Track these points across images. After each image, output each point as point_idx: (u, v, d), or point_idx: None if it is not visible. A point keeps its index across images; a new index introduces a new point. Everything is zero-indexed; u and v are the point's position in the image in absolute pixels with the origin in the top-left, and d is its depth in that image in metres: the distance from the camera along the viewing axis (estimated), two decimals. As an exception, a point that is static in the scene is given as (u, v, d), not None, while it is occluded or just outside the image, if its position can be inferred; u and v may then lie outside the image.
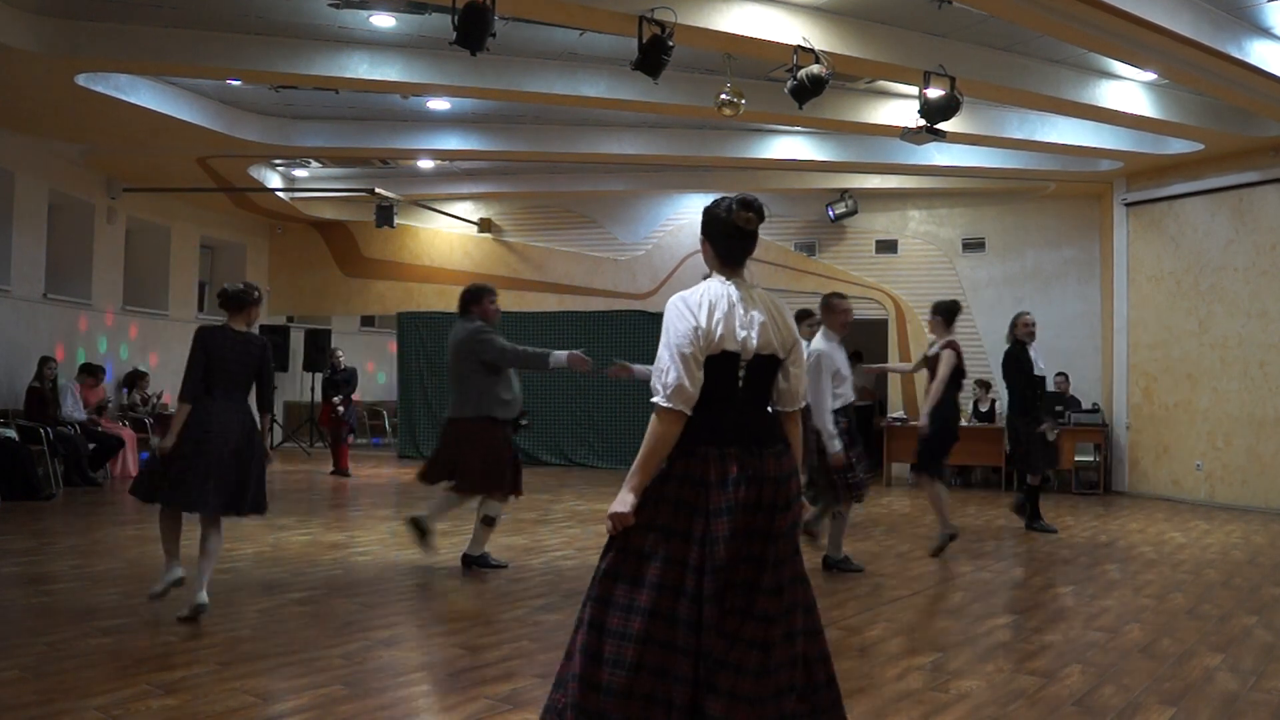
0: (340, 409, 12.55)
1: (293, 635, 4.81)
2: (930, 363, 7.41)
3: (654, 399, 2.76)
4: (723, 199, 2.93)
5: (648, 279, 14.80)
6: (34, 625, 4.95)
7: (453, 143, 11.94)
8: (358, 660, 4.39)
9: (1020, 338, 8.64)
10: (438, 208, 15.47)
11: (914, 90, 8.51)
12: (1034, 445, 8.62)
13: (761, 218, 2.89)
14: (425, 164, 13.85)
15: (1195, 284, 11.40)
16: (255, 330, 5.46)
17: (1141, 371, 12.03)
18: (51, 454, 10.24)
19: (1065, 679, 4.28)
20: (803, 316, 6.83)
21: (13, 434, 9.97)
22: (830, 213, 13.72)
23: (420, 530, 6.42)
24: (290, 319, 16.86)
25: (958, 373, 7.27)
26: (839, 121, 10.14)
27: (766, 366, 2.87)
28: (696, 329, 2.75)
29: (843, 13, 7.94)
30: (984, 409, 12.74)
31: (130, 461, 11.69)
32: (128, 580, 6.00)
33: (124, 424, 12.23)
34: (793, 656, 2.74)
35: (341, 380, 12.67)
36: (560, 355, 6.16)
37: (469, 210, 15.68)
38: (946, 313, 7.47)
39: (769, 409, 2.94)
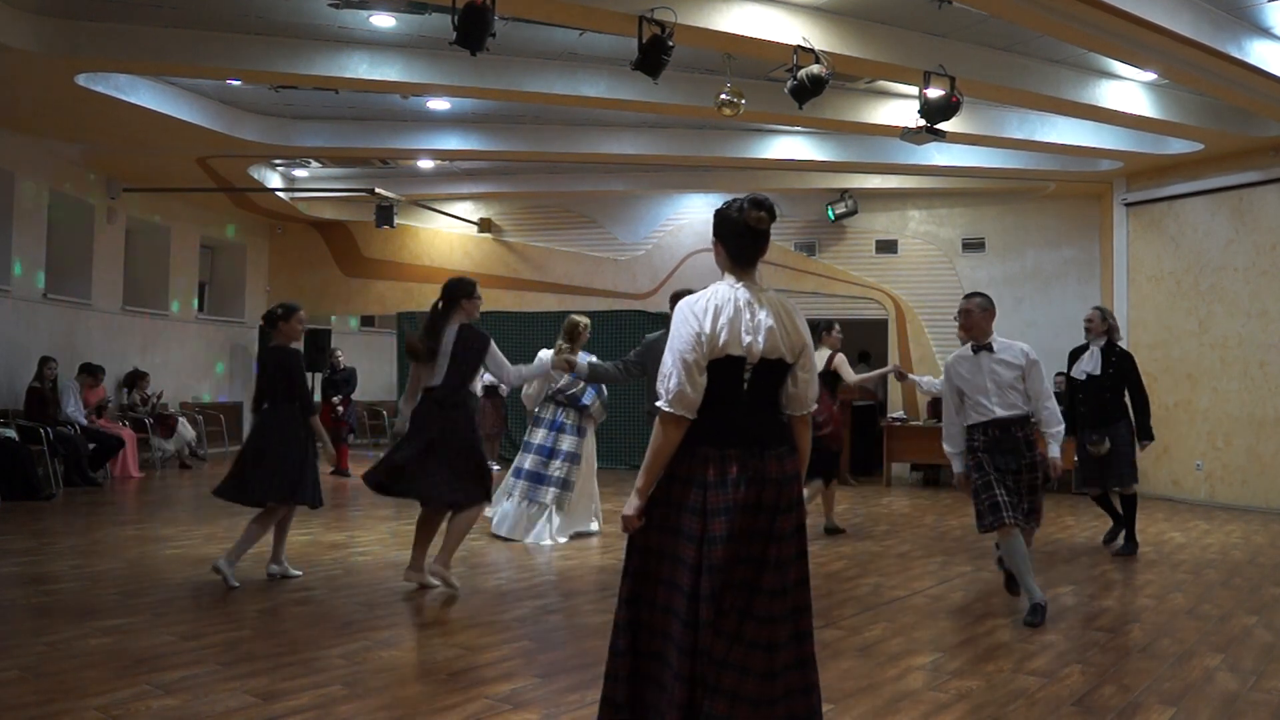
0: (340, 409, 12.56)
1: (293, 635, 4.81)
2: None
3: (657, 403, 2.79)
4: (734, 200, 2.95)
5: (648, 279, 14.80)
6: (34, 625, 4.95)
7: (453, 143, 11.94)
8: (358, 660, 4.39)
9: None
10: (438, 208, 15.47)
11: (914, 90, 8.51)
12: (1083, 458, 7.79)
13: (773, 217, 2.91)
14: (425, 164, 13.85)
15: (1195, 284, 11.40)
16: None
17: (1141, 371, 11.97)
18: (51, 454, 10.24)
19: (1065, 679, 4.28)
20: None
21: (13, 434, 9.97)
22: (830, 213, 13.72)
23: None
24: (290, 319, 16.83)
25: None
26: (839, 121, 10.13)
27: (774, 370, 2.87)
28: (699, 335, 2.77)
29: (843, 13, 7.94)
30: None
31: (130, 461, 11.70)
32: (128, 580, 6.01)
33: (124, 424, 12.24)
34: (799, 658, 2.77)
35: (341, 380, 12.68)
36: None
37: (469, 210, 15.68)
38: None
39: (777, 412, 2.95)
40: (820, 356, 7.76)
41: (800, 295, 13.28)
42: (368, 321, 18.52)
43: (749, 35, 7.56)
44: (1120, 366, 7.74)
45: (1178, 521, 9.65)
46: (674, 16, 6.98)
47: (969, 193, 13.41)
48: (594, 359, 7.01)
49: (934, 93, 8.02)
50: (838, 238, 14.10)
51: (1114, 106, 9.36)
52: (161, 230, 14.48)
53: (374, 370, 18.26)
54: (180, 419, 13.27)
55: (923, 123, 8.22)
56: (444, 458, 5.63)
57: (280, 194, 14.43)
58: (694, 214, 14.54)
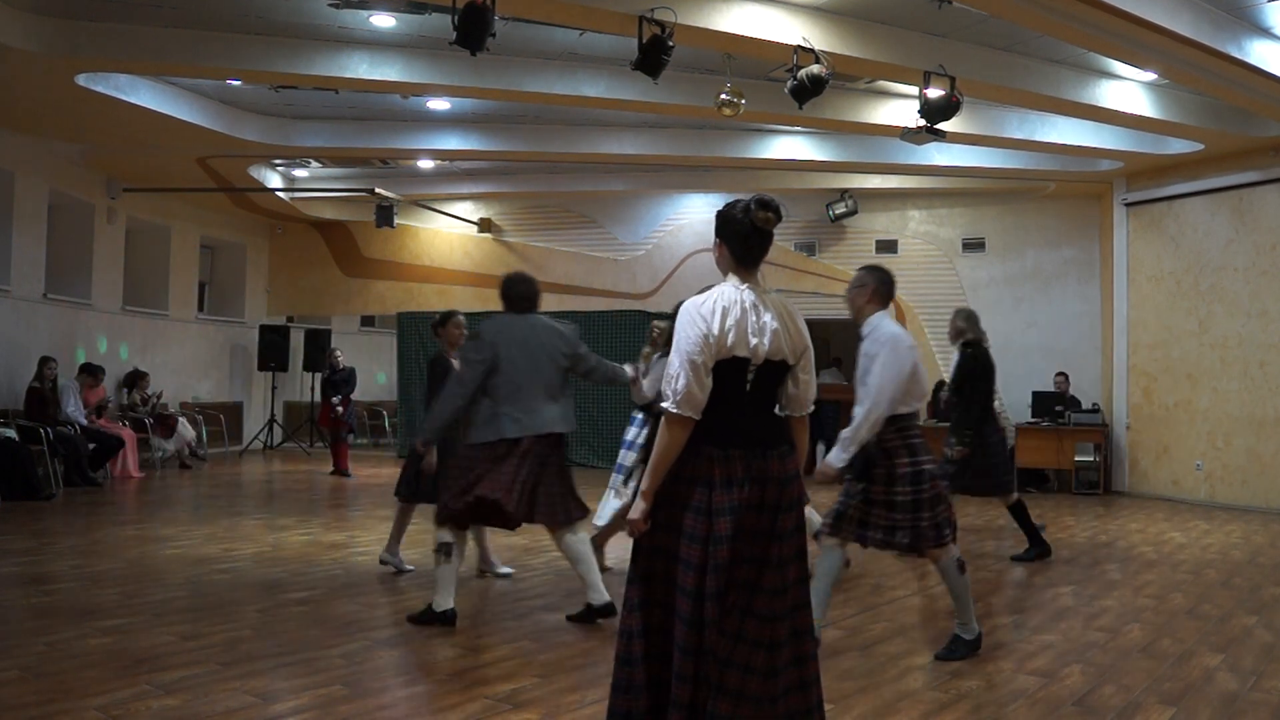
0: (339, 409, 12.56)
1: (293, 635, 4.81)
2: None
3: (663, 404, 2.80)
4: (737, 200, 2.92)
5: (648, 279, 14.79)
6: (34, 625, 4.94)
7: (453, 143, 11.94)
8: (358, 660, 4.39)
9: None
10: (438, 208, 15.47)
11: (914, 90, 8.51)
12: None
13: (779, 217, 2.88)
14: (425, 164, 13.85)
15: (1195, 284, 11.40)
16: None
17: (1141, 371, 12.03)
18: (51, 454, 10.23)
19: (1065, 679, 4.28)
20: None
21: (13, 434, 9.96)
22: (830, 213, 13.72)
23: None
24: (290, 319, 16.86)
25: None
26: (839, 121, 10.13)
27: (775, 371, 2.89)
28: (707, 336, 2.77)
29: (843, 13, 7.94)
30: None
31: (130, 461, 11.70)
32: (128, 580, 6.00)
33: (124, 424, 12.24)
34: (798, 655, 2.78)
35: (340, 380, 12.68)
36: None
37: (469, 210, 15.68)
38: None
39: (776, 412, 2.96)
40: None
41: (800, 295, 13.27)
42: (368, 321, 18.52)
43: (749, 35, 7.56)
44: (957, 369, 7.06)
45: (1178, 521, 9.65)
46: (674, 16, 6.98)
47: (969, 193, 13.41)
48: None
49: (934, 93, 8.02)
50: (838, 238, 14.10)
51: (1114, 106, 9.36)
52: (161, 230, 14.49)
53: (374, 370, 18.28)
54: (180, 419, 13.27)
55: (923, 123, 8.22)
56: None
57: (280, 194, 14.43)
58: (694, 214, 14.53)
